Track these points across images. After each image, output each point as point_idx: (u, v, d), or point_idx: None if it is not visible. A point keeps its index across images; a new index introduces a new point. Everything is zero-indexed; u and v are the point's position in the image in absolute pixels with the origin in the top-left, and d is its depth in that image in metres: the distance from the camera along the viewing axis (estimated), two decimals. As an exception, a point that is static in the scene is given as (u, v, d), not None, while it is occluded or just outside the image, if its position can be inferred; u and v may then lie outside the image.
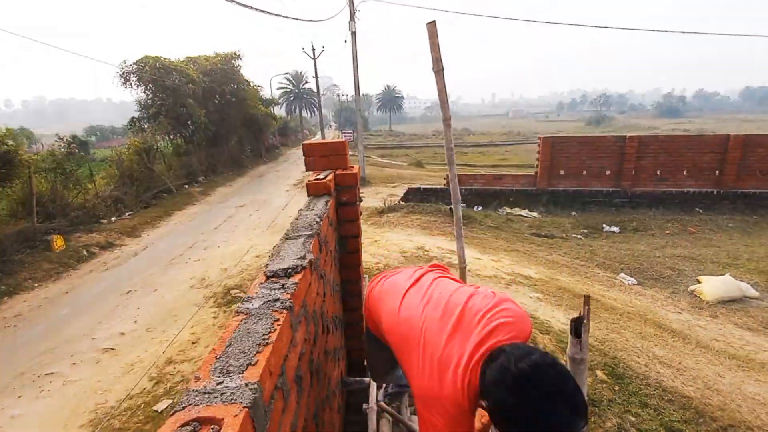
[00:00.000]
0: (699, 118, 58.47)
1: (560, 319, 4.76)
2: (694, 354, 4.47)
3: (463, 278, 3.35)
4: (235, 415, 0.53)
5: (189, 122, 15.74)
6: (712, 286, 5.93)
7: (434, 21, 2.49)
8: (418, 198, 11.42)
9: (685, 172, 10.80)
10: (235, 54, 18.08)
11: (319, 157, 1.97)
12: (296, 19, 12.94)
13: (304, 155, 1.94)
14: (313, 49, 26.45)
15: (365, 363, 2.36)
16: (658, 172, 10.90)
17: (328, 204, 1.68)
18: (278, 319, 0.81)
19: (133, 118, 15.24)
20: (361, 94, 14.26)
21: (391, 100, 54.32)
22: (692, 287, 6.16)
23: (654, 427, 3.20)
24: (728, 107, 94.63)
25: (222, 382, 0.63)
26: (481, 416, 1.25)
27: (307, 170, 1.96)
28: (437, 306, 1.19)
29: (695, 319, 5.34)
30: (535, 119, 75.84)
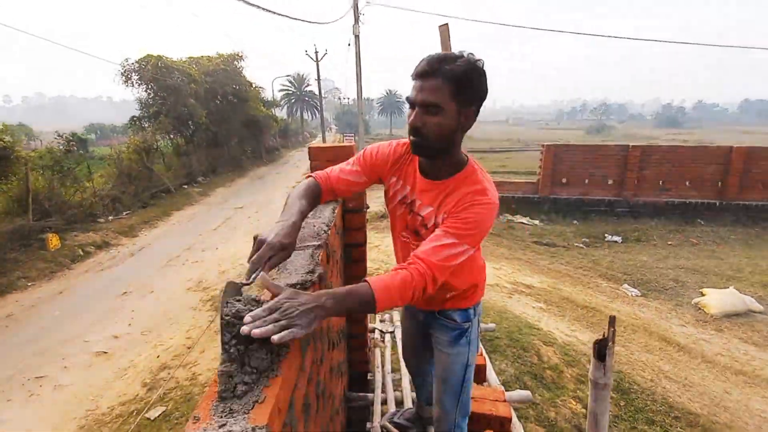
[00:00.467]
0: (698, 129, 58.71)
1: (564, 331, 4.68)
2: (700, 369, 4.39)
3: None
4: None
5: (190, 122, 15.66)
6: (717, 299, 5.86)
7: (446, 24, 2.42)
8: (418, 203, 11.32)
9: (687, 183, 10.77)
10: (237, 55, 18.06)
11: (325, 161, 1.89)
12: (302, 20, 12.95)
13: (309, 159, 1.87)
14: (316, 52, 26.48)
15: (368, 377, 2.27)
16: (661, 182, 10.87)
17: (335, 211, 1.59)
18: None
19: (133, 116, 15.14)
20: (363, 97, 14.22)
21: (392, 103, 54.42)
22: (696, 300, 6.08)
23: (662, 446, 3.11)
24: (727, 119, 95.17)
25: (225, 425, 0.55)
26: None
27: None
28: None
29: (700, 333, 5.26)
30: (535, 127, 76.01)
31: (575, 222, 10.65)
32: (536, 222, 10.67)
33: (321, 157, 1.86)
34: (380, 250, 7.10)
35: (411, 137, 1.08)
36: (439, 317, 1.34)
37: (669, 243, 9.20)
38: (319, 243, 1.21)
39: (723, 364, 4.51)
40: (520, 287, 5.99)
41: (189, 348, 4.49)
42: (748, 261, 7.96)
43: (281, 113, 34.99)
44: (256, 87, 19.90)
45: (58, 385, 3.95)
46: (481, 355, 2.16)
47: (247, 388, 0.61)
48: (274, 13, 10.44)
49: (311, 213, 1.50)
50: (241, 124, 18.95)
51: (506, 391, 2.00)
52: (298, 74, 41.63)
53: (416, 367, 1.66)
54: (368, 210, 2.02)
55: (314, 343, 1.02)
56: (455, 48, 2.58)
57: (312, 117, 45.68)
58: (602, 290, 6.56)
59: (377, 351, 2.46)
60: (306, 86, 41.56)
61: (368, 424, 1.85)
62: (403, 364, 1.92)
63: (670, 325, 5.42)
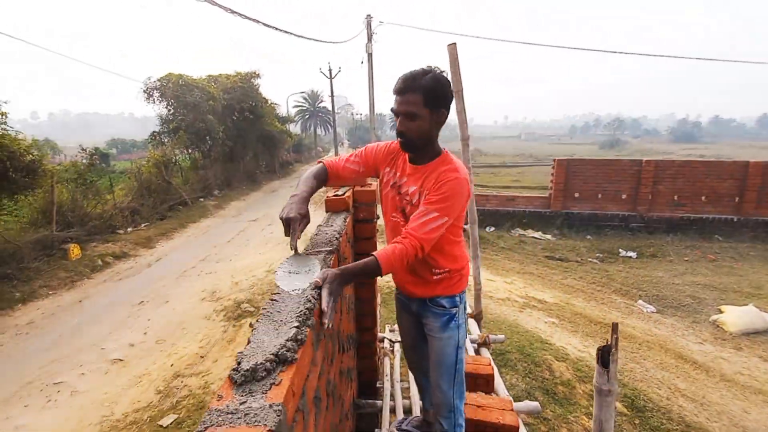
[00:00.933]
0: (715, 144, 57.58)
1: (576, 346, 4.62)
2: (718, 388, 4.27)
3: (478, 302, 3.28)
4: (262, 439, 0.51)
5: (207, 137, 16.10)
6: (736, 316, 5.71)
7: (455, 43, 2.52)
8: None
9: (703, 198, 10.58)
10: (254, 73, 18.63)
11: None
12: (317, 40, 13.33)
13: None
14: (330, 70, 27.13)
15: (377, 384, 2.30)
16: (676, 197, 10.71)
17: (347, 220, 1.67)
18: (302, 337, 0.79)
19: (153, 132, 15.66)
20: (375, 112, 14.46)
21: (404, 119, 55.26)
22: (714, 317, 5.93)
23: (678, 466, 3.03)
24: (744, 134, 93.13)
25: (245, 402, 0.61)
26: None
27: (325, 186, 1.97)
28: None
29: (718, 351, 5.12)
30: (547, 142, 75.66)
31: (588, 237, 10.53)
32: (548, 236, 10.57)
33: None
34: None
35: (399, 139, 1.39)
36: (429, 304, 1.52)
37: (685, 259, 9.01)
38: (331, 249, 1.28)
39: (742, 383, 4.38)
40: (532, 302, 5.94)
41: (202, 357, 4.56)
42: (769, 278, 7.75)
43: (295, 128, 35.65)
44: (271, 103, 20.41)
45: (75, 391, 4.05)
46: (489, 364, 2.17)
47: (266, 374, 0.68)
48: (291, 33, 10.81)
49: (325, 221, 1.59)
50: (256, 139, 19.40)
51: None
52: (312, 91, 42.57)
53: (417, 362, 1.74)
54: (378, 220, 2.09)
55: (326, 341, 1.08)
56: (463, 64, 2.68)
57: (325, 132, 46.42)
58: (617, 306, 6.45)
59: (386, 360, 2.49)
60: (320, 102, 42.41)
61: (377, 431, 1.88)
62: (411, 376, 1.97)
63: (687, 343, 5.29)
